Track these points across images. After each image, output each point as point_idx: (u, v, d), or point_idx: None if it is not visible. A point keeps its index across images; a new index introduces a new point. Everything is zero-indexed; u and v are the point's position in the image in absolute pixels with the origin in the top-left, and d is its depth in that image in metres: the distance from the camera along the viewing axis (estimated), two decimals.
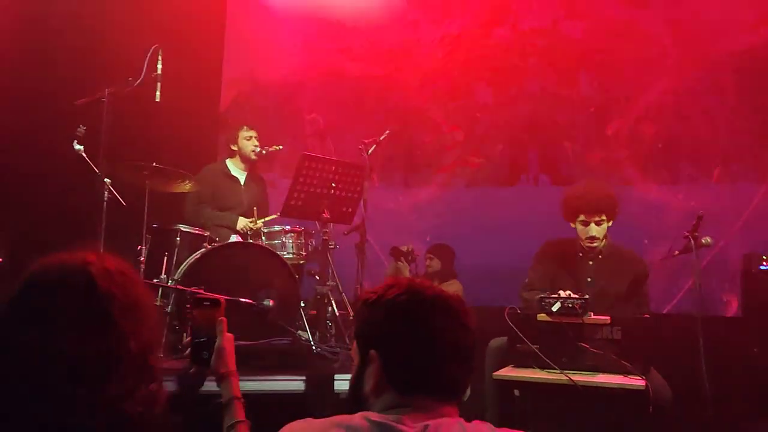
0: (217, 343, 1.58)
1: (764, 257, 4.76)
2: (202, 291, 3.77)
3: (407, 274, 5.32)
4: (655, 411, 2.67)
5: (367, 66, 6.51)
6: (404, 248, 5.44)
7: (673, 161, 5.69)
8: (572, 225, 3.50)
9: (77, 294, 1.34)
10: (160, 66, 4.10)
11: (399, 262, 5.41)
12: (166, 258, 4.19)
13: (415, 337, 1.32)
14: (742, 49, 5.44)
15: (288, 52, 6.67)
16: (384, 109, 6.43)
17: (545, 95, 6.02)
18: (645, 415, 2.71)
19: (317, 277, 4.44)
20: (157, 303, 3.86)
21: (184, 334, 3.79)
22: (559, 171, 5.96)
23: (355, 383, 1.37)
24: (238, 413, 1.61)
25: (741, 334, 4.70)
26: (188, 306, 1.65)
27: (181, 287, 3.86)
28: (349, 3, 6.51)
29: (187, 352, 1.63)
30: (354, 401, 1.37)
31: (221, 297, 1.62)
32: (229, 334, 1.60)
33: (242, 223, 4.61)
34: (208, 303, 1.59)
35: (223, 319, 1.58)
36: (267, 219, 4.59)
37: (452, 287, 5.31)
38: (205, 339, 1.59)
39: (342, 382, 3.47)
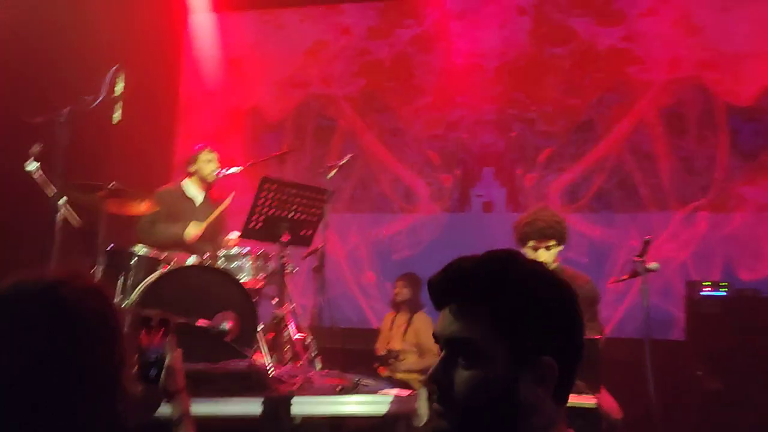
0: (166, 361, 1.57)
1: (705, 284, 4.99)
2: (157, 314, 3.75)
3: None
4: (607, 429, 2.76)
5: (331, 88, 6.59)
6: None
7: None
8: (523, 250, 3.61)
9: (46, 313, 1.34)
10: (120, 86, 4.08)
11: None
12: (121, 280, 4.13)
13: (581, 336, 1.15)
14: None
15: (248, 73, 6.70)
16: (347, 131, 6.51)
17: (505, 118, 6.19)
18: None
19: (275, 301, 4.43)
20: None
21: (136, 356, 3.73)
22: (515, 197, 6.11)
23: (500, 395, 1.08)
24: (189, 430, 1.61)
25: (686, 357, 4.88)
26: (137, 325, 1.62)
27: (135, 309, 3.80)
28: (308, 25, 6.62)
29: (135, 371, 1.61)
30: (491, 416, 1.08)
31: (170, 316, 1.62)
32: (178, 351, 1.60)
33: (191, 229, 4.57)
34: (156, 321, 1.59)
35: (173, 336, 1.58)
36: (214, 214, 4.61)
37: (421, 317, 5.33)
38: (153, 358, 1.58)
39: (299, 405, 3.46)
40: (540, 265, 1.17)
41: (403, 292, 5.47)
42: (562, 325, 1.12)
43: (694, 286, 5.04)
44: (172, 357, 1.63)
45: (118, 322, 1.40)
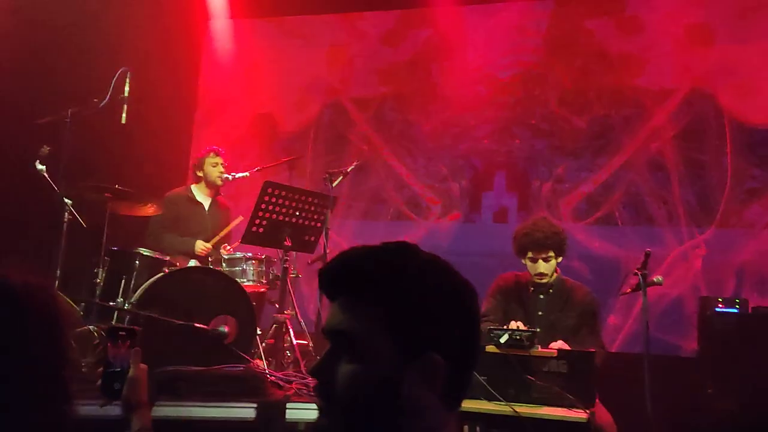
0: (130, 374, 1.55)
1: (719, 300, 4.85)
2: (155, 316, 3.77)
3: None
4: None
5: (345, 95, 6.60)
6: None
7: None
8: (522, 261, 3.57)
9: None
10: (127, 88, 4.14)
11: None
12: (123, 281, 4.16)
13: (477, 337, 1.09)
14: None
15: (264, 79, 6.74)
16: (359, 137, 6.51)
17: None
18: None
19: (276, 306, 4.43)
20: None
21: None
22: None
23: (382, 391, 1.01)
24: None
25: (696, 375, 4.75)
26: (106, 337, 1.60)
27: (135, 311, 3.83)
28: (328, 30, 6.65)
29: (98, 383, 1.58)
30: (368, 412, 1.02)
31: (136, 327, 1.60)
32: (143, 365, 1.57)
33: (199, 245, 4.61)
34: (124, 333, 1.57)
35: (138, 349, 1.56)
36: (221, 234, 4.65)
37: None
38: (118, 369, 1.56)
39: (294, 411, 3.43)
40: (435, 259, 1.09)
41: None
42: (454, 323, 1.05)
43: (707, 303, 4.91)
44: (136, 369, 1.60)
45: (64, 318, 1.39)
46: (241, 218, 4.74)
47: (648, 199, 5.70)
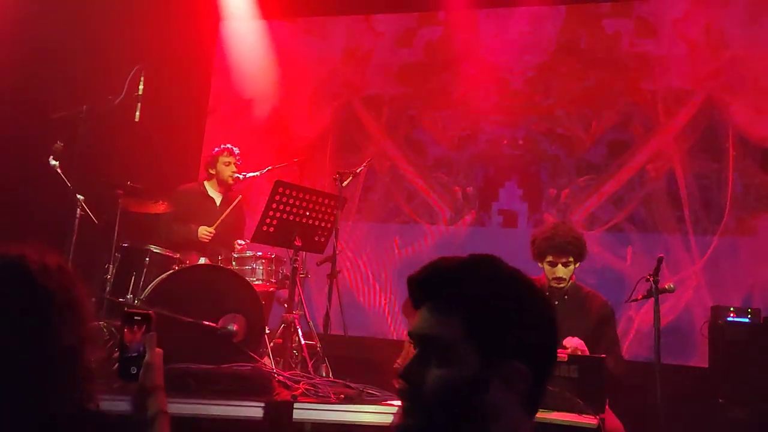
0: (146, 358, 1.56)
1: (731, 309, 4.81)
2: (165, 312, 3.78)
3: None
4: None
5: (357, 96, 6.60)
6: None
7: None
8: (540, 265, 3.54)
9: (13, 289, 1.35)
10: (141, 86, 4.16)
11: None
12: (133, 278, 4.17)
13: (555, 346, 1.16)
14: None
15: (280, 79, 6.75)
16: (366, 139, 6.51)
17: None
18: None
19: (285, 305, 4.43)
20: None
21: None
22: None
23: (469, 395, 1.07)
24: (165, 428, 1.59)
25: (707, 384, 4.71)
26: (121, 322, 1.61)
27: (144, 307, 3.83)
28: (343, 32, 6.66)
29: (115, 367, 1.60)
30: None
31: (152, 312, 1.61)
32: (159, 350, 1.59)
33: (202, 230, 4.62)
34: (139, 317, 1.58)
35: (153, 333, 1.57)
36: (222, 216, 4.67)
37: None
38: (135, 354, 1.57)
39: (301, 411, 3.43)
40: (518, 272, 1.16)
41: None
42: (535, 332, 1.12)
43: (718, 312, 4.87)
44: (152, 353, 1.61)
45: (83, 299, 1.39)
46: (240, 197, 4.81)
47: (657, 207, 5.66)
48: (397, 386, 1.13)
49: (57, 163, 4.12)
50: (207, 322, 3.82)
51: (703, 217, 5.55)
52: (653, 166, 5.71)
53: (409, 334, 1.15)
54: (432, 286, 1.14)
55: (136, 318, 1.59)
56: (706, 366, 4.90)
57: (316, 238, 4.50)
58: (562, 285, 3.51)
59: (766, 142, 5.45)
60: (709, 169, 5.58)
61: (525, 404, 1.10)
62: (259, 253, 4.50)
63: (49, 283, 1.37)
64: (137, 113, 4.16)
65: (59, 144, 4.13)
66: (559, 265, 3.48)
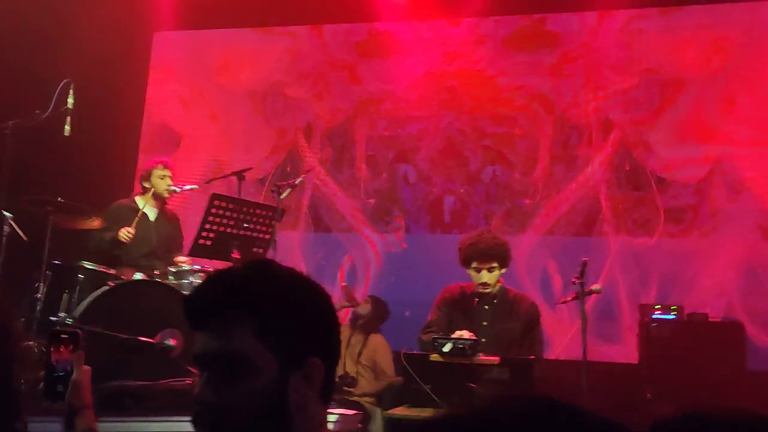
0: (73, 377, 1.56)
1: (656, 307, 5.05)
2: (100, 330, 3.71)
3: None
4: None
5: (296, 107, 6.62)
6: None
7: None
8: (467, 271, 3.66)
9: None
10: (71, 100, 4.09)
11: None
12: (66, 295, 4.08)
13: (338, 336, 1.21)
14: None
15: (212, 94, 6.72)
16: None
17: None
18: None
19: None
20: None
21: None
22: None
23: (273, 402, 1.08)
24: None
25: (636, 380, 4.92)
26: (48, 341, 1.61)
27: (78, 325, 3.76)
28: (281, 40, 6.67)
29: (41, 386, 1.59)
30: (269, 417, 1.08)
31: (78, 330, 1.61)
32: (86, 367, 1.59)
33: (122, 232, 4.42)
34: (66, 336, 1.58)
35: (81, 352, 1.57)
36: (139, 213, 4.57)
37: (377, 338, 5.22)
38: (62, 373, 1.57)
39: None
40: (294, 271, 1.17)
41: (365, 307, 5.33)
42: (323, 327, 1.15)
43: (645, 310, 5.10)
44: (79, 372, 1.61)
45: (10, 319, 1.39)
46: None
47: (583, 209, 5.88)
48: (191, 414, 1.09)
49: None
50: (143, 338, 3.78)
51: (628, 218, 5.79)
52: (583, 173, 5.94)
53: (195, 356, 1.11)
54: (218, 300, 1.10)
55: (63, 336, 1.59)
56: (636, 362, 5.12)
57: (255, 250, 4.50)
58: (488, 290, 3.62)
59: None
60: (628, 174, 5.84)
61: (322, 396, 1.13)
62: (197, 267, 4.46)
63: None
64: (67, 127, 4.09)
65: None
66: (484, 271, 3.59)
